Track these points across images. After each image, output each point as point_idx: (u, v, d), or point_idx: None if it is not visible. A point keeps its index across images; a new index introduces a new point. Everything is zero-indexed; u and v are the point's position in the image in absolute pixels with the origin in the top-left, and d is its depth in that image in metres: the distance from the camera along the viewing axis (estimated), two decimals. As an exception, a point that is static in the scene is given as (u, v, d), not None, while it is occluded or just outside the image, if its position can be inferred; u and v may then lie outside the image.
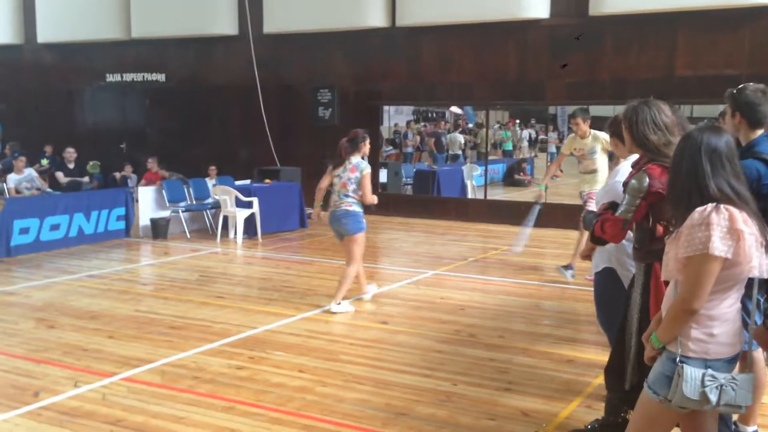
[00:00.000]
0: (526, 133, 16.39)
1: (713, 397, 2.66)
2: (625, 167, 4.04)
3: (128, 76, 16.38)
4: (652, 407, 2.80)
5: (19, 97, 17.32)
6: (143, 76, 16.21)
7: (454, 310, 7.03)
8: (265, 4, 14.50)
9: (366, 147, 6.93)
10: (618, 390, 3.94)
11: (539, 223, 12.30)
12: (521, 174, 15.44)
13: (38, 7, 17.00)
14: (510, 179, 15.47)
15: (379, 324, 6.50)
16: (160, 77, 16.01)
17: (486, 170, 14.11)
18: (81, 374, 5.07)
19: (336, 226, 6.86)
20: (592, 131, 8.36)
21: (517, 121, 17.85)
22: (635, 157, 3.81)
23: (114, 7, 15.98)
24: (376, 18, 13.56)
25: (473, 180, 14.56)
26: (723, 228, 2.63)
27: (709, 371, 2.68)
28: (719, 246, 2.62)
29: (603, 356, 4.84)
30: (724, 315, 2.73)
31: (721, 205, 2.67)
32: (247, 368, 5.24)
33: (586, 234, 7.92)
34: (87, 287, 7.86)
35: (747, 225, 2.66)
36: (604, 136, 8.32)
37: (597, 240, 3.81)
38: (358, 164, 6.81)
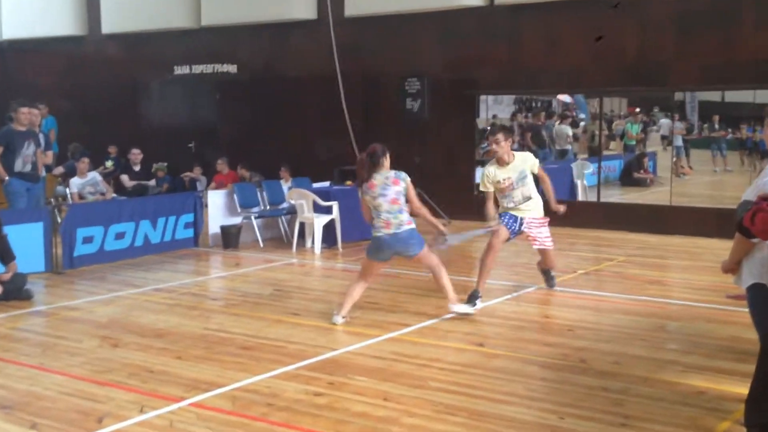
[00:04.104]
0: (665, 122, 15.60)
1: None
2: None
3: (197, 68, 16.93)
4: None
5: (81, 93, 18.17)
6: (213, 68, 16.73)
7: (562, 331, 6.94)
8: (346, -17, 14.71)
9: (387, 161, 7.06)
10: (760, 426, 3.81)
11: (664, 230, 12.08)
12: (642, 171, 15.04)
13: (102, -5, 17.81)
14: (628, 178, 15.09)
15: (474, 346, 6.49)
16: (232, 68, 16.48)
17: (600, 167, 13.83)
18: (147, 398, 5.28)
19: (400, 248, 7.03)
20: (516, 153, 7.92)
21: (637, 109, 17.38)
22: None
23: (182, -7, 16.58)
24: (472, -5, 13.55)
25: (584, 179, 14.30)
26: None
27: None
28: None
29: (742, 388, 4.68)
30: None
31: None
32: (325, 395, 5.32)
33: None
34: (153, 302, 8.17)
35: None
36: (529, 156, 7.98)
37: (743, 231, 3.88)
38: (398, 174, 7.01)
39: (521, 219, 7.84)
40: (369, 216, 7.07)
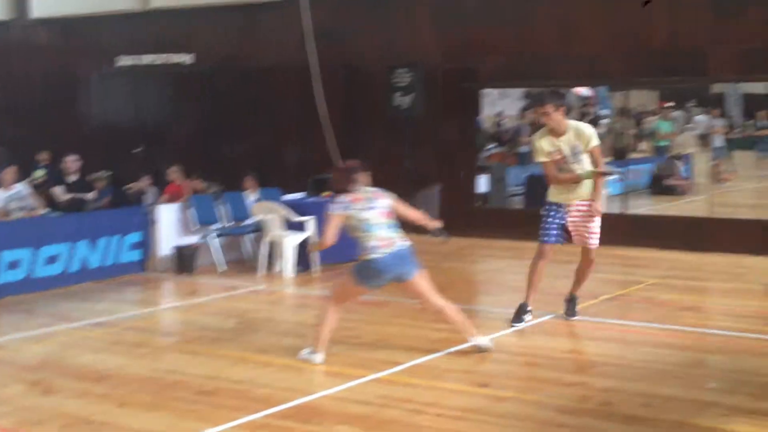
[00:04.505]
0: (702, 119, 15.59)
1: None
2: None
3: (145, 58, 16.92)
4: None
5: (6, 89, 18.11)
6: (165, 58, 16.71)
7: (582, 367, 6.97)
8: (322, -45, 14.76)
9: (366, 178, 7.26)
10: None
11: (702, 247, 12.12)
12: (675, 178, 15.14)
13: (31, -27, 17.82)
14: (659, 185, 15.19)
15: (478, 387, 6.47)
16: (187, 58, 16.48)
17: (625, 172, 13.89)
18: (84, 454, 5.25)
19: (400, 271, 7.07)
20: (571, 123, 7.97)
21: (670, 104, 17.54)
22: None
23: (126, -30, 16.61)
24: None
25: (607, 187, 14.38)
26: None
27: None
28: None
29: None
30: None
31: None
32: (299, 448, 5.31)
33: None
34: (92, 338, 8.13)
35: None
36: (586, 128, 7.98)
37: None
38: (378, 189, 7.19)
39: (565, 209, 7.93)
40: (333, 236, 7.10)
